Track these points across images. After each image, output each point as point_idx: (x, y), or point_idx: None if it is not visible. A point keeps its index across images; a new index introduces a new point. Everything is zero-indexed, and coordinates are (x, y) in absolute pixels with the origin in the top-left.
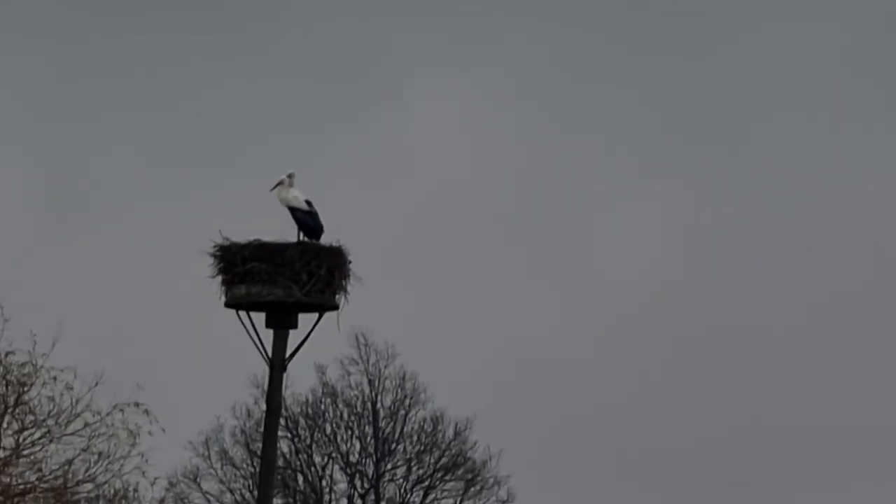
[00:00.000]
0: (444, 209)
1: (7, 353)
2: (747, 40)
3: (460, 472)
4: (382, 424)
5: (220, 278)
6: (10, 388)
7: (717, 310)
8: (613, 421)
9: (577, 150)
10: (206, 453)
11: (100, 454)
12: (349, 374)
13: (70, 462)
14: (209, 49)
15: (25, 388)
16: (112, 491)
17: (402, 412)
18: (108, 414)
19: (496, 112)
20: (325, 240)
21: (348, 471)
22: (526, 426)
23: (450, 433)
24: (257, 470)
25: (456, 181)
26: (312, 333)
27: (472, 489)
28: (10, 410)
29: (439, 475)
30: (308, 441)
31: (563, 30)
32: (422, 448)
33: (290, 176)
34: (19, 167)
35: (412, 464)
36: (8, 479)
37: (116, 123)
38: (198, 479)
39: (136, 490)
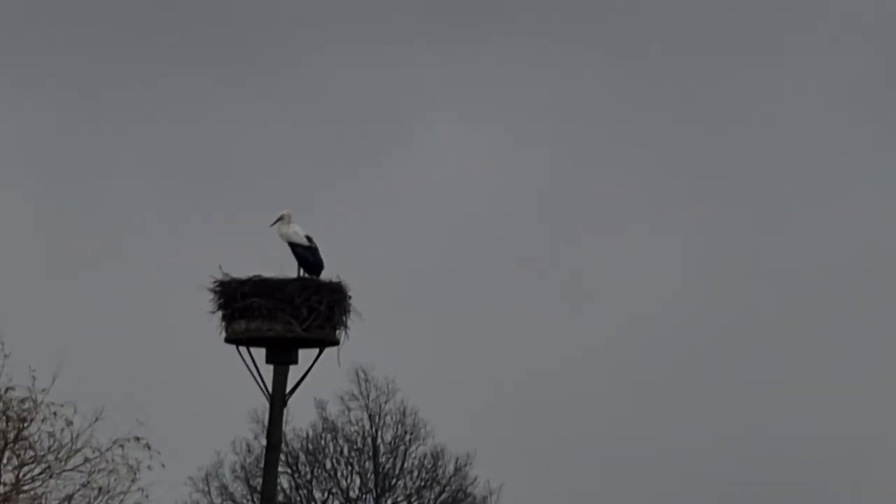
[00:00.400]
0: (445, 244)
1: (7, 389)
2: (754, 67)
3: None
4: (383, 460)
5: (220, 314)
6: (10, 423)
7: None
8: (616, 457)
9: (581, 185)
10: (207, 489)
11: (100, 489)
12: (349, 409)
13: (70, 497)
14: (222, 90)
15: (25, 424)
16: None
17: (402, 448)
18: (108, 449)
19: (503, 148)
20: (325, 275)
21: None
22: (526, 462)
23: (450, 469)
24: None
25: (458, 217)
26: (313, 369)
27: None
28: (10, 446)
29: None
30: (308, 476)
31: (571, 65)
32: (422, 483)
33: (281, 218)
34: (19, 200)
35: (412, 499)
36: None
37: (122, 158)
38: None
39: None
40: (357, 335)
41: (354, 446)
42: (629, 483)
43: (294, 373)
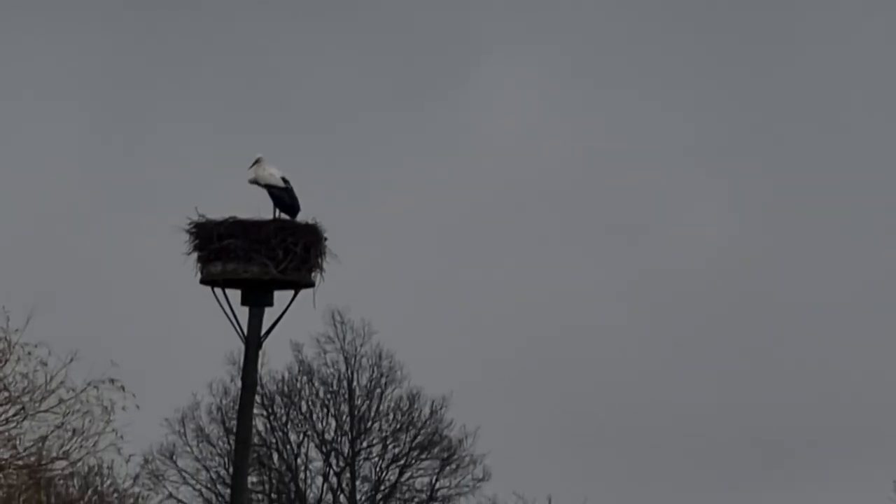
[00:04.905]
0: (427, 189)
1: None
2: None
3: (436, 450)
4: (358, 402)
5: (195, 255)
6: None
7: (714, 300)
8: (589, 399)
9: (583, 131)
10: (182, 430)
11: (74, 431)
12: (325, 352)
13: (44, 439)
14: (290, 28)
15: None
16: (86, 468)
17: (377, 390)
18: (82, 390)
19: (550, 86)
20: (302, 217)
21: (324, 449)
22: (502, 405)
23: (426, 411)
24: (233, 447)
25: (486, 159)
26: (288, 311)
27: (448, 468)
28: None
29: (415, 453)
30: (284, 419)
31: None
32: (397, 426)
33: (257, 161)
34: (63, 138)
35: (388, 442)
36: None
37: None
38: (173, 457)
39: (110, 467)
40: (333, 277)
41: (330, 389)
42: (609, 424)
43: (270, 315)
